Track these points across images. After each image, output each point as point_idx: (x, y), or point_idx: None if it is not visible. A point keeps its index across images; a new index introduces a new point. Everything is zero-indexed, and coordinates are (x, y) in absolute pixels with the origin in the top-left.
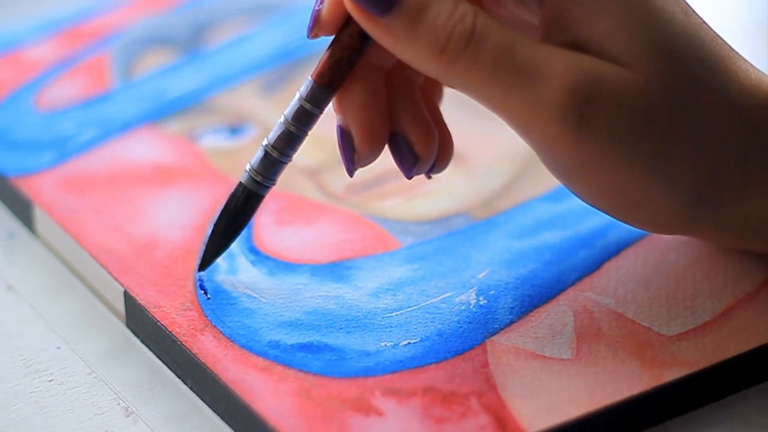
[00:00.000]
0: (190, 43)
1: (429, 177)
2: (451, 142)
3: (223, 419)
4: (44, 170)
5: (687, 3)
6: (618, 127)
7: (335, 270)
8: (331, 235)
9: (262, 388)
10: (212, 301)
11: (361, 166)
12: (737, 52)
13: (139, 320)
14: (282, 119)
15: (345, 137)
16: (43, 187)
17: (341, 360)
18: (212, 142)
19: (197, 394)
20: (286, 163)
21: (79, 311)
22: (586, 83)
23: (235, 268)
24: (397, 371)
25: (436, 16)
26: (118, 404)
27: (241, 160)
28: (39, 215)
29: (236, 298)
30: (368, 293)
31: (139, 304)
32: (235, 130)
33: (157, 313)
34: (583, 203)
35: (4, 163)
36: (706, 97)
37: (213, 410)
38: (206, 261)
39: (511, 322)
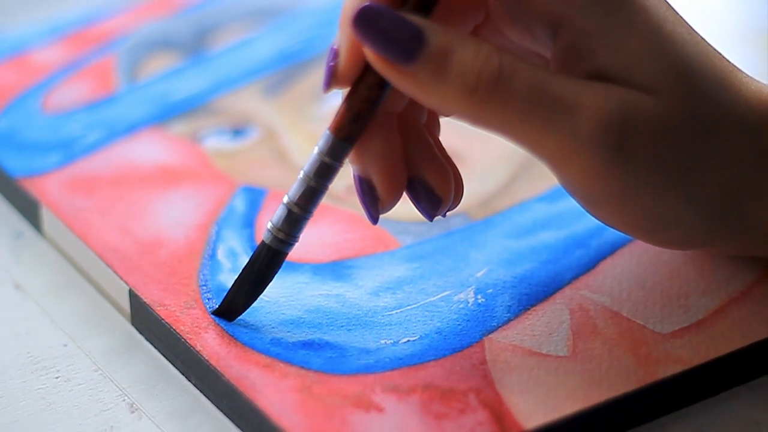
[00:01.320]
0: (193, 46)
1: (444, 216)
2: (460, 176)
3: (226, 415)
4: (51, 171)
5: (687, 22)
6: (652, 154)
7: (336, 269)
8: (332, 235)
9: (264, 385)
10: (215, 299)
11: (384, 213)
12: (734, 65)
13: (143, 318)
14: (302, 176)
15: (365, 187)
16: (49, 188)
17: (342, 357)
18: (216, 143)
19: (201, 391)
20: (308, 219)
21: (85, 309)
22: (619, 114)
23: (239, 267)
24: (396, 368)
25: (461, 59)
26: (124, 400)
27: (244, 161)
28: (46, 215)
29: None
30: (368, 292)
31: (144, 302)
32: (238, 131)
33: (161, 311)
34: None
35: (11, 164)
36: (719, 113)
37: (216, 406)
38: (227, 316)
39: (509, 320)
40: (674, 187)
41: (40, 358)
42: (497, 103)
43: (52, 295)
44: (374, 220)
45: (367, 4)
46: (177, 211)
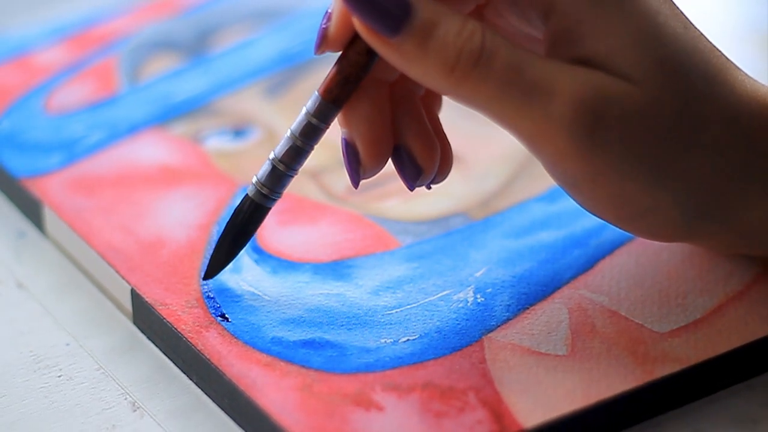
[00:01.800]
0: (195, 47)
1: (429, 188)
2: (451, 152)
3: (227, 414)
4: (53, 171)
5: (686, 16)
6: (626, 142)
7: (336, 268)
8: (333, 235)
9: (265, 384)
10: (217, 298)
11: (366, 178)
12: (733, 62)
13: (145, 317)
14: (288, 134)
15: (350, 150)
16: (52, 188)
17: (342, 356)
18: (217, 144)
19: (202, 390)
20: (292, 177)
21: (87, 309)
22: (595, 99)
23: (239, 266)
24: (396, 367)
25: (445, 35)
26: (125, 399)
27: (245, 161)
28: (48, 215)
29: (240, 296)
30: (369, 291)
31: (146, 301)
32: (239, 132)
33: (163, 311)
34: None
35: (14, 164)
36: (708, 109)
37: (217, 405)
38: (211, 272)
39: (508, 320)
40: (650, 177)
41: (42, 357)
42: (475, 81)
43: (54, 294)
44: (356, 183)
45: None
46: (178, 211)
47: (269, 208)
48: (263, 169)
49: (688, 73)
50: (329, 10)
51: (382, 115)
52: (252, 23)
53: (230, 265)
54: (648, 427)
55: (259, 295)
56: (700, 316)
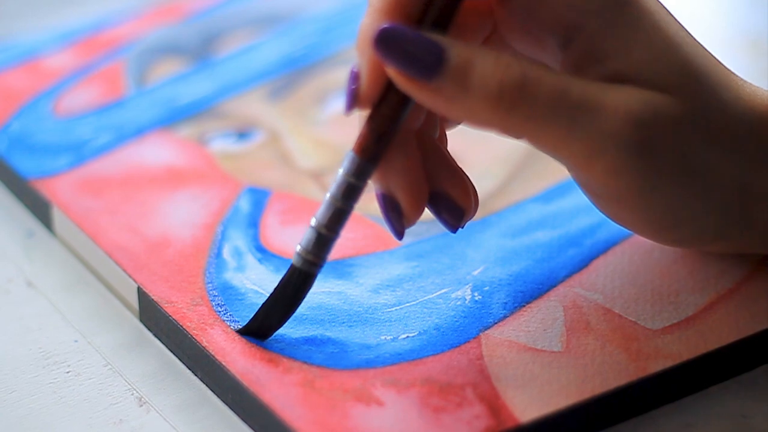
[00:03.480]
0: (200, 52)
1: (462, 228)
2: (473, 185)
3: (231, 408)
4: (62, 172)
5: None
6: (673, 152)
7: (338, 267)
8: None
9: (268, 379)
10: (221, 296)
11: (408, 228)
12: (728, 68)
13: (151, 315)
14: (329, 198)
15: (390, 204)
16: (60, 189)
17: (343, 353)
18: (221, 146)
19: (207, 385)
20: (336, 240)
21: (95, 306)
22: (644, 112)
23: (243, 265)
24: (396, 363)
25: (482, 69)
26: (132, 394)
27: (249, 163)
28: (57, 215)
29: (244, 294)
30: (369, 289)
31: (152, 299)
32: (243, 134)
33: (168, 308)
34: (573, 203)
35: (24, 165)
36: (727, 113)
37: (222, 400)
38: (258, 335)
39: (505, 317)
40: (692, 185)
41: (51, 353)
42: (523, 109)
43: (63, 292)
44: (400, 235)
45: (386, 25)
46: (184, 211)
47: (316, 275)
48: (307, 237)
49: (707, 81)
50: (355, 70)
51: (416, 165)
52: (255, 28)
53: (235, 264)
54: (641, 422)
55: (262, 293)
56: (691, 313)
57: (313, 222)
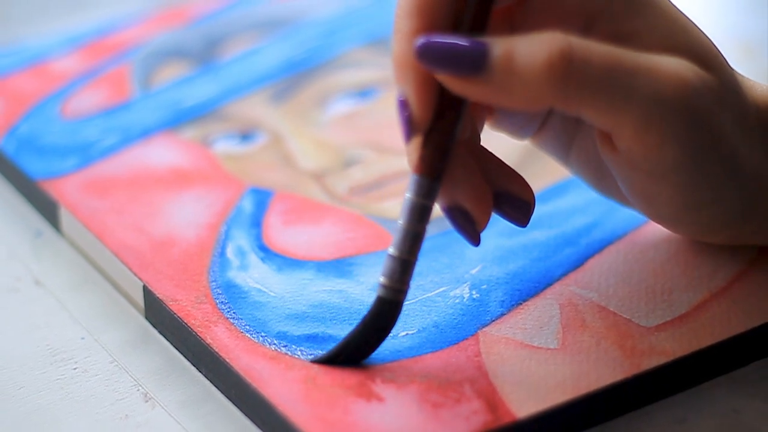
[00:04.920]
0: (204, 55)
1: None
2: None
3: (235, 404)
4: (69, 173)
5: None
6: (713, 128)
7: (339, 266)
8: (335, 234)
9: (271, 376)
10: (225, 294)
11: (480, 233)
12: None
13: (157, 313)
14: (404, 226)
15: (461, 215)
16: (68, 189)
17: None
18: (225, 147)
19: (211, 381)
20: (416, 263)
21: (101, 304)
22: (696, 80)
23: (246, 264)
24: (396, 360)
25: (528, 47)
26: (138, 390)
27: (252, 164)
28: (64, 215)
29: (247, 293)
30: (369, 288)
31: (157, 297)
32: (246, 136)
33: (173, 306)
34: (569, 204)
35: (32, 167)
36: (742, 95)
37: (226, 396)
38: (339, 363)
39: (502, 315)
40: (722, 165)
41: (58, 350)
42: (577, 76)
43: (70, 290)
44: (476, 242)
45: (423, 39)
46: (188, 211)
47: (404, 302)
48: (390, 268)
49: (725, 62)
50: (402, 99)
51: (476, 171)
52: (258, 32)
53: (238, 263)
54: (635, 417)
55: (265, 291)
56: (685, 311)
57: (392, 252)
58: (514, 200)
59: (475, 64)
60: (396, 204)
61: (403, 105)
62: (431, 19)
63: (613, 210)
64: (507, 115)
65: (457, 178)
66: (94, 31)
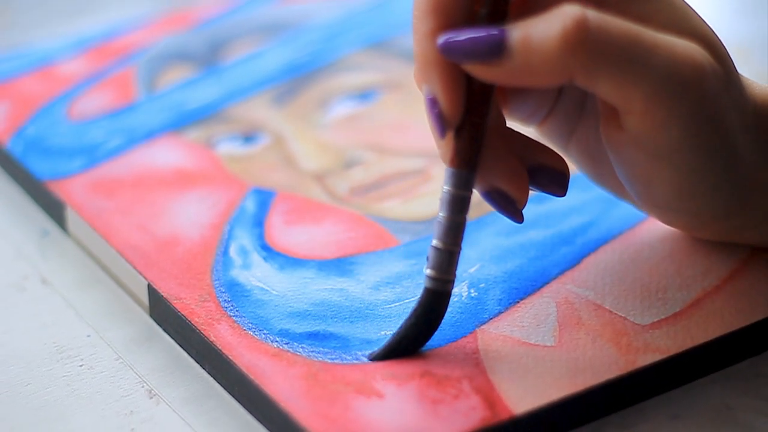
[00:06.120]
0: (208, 58)
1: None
2: None
3: (237, 400)
4: (75, 174)
5: None
6: (717, 113)
7: (340, 265)
8: (336, 234)
9: (273, 373)
10: (228, 293)
11: (522, 210)
12: None
13: (161, 311)
14: (445, 217)
15: (500, 198)
16: (74, 190)
17: (345, 347)
18: (228, 148)
19: (214, 378)
20: (460, 252)
21: (107, 302)
22: (708, 65)
23: (249, 263)
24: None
25: (544, 23)
26: (143, 387)
27: (255, 165)
28: (70, 215)
29: (250, 291)
30: (369, 286)
31: (162, 296)
32: (248, 138)
33: (178, 304)
34: (565, 204)
35: (38, 168)
36: (743, 90)
37: (229, 392)
38: (396, 357)
39: (500, 313)
40: (722, 153)
41: (65, 348)
42: (593, 49)
43: (76, 289)
44: (520, 220)
45: (443, 38)
46: (192, 212)
47: (451, 291)
48: (436, 260)
49: (730, 57)
50: (430, 97)
51: (508, 153)
52: (261, 36)
53: (241, 262)
54: (631, 414)
55: (267, 290)
56: (679, 309)
57: (437, 244)
58: (549, 172)
59: (495, 50)
60: (396, 204)
61: (432, 102)
62: (447, 17)
63: (609, 210)
64: (519, 103)
65: (491, 162)
66: (100, 35)
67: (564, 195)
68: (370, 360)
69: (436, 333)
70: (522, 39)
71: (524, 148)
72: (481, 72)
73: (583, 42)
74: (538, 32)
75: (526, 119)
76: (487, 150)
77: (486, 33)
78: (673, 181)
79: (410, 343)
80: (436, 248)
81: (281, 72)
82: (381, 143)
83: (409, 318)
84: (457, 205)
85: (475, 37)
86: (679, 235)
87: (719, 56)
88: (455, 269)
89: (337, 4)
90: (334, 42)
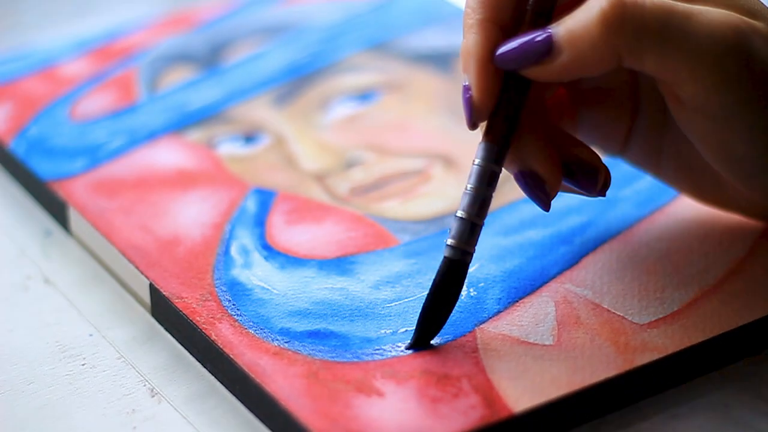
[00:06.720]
0: (209, 59)
1: (605, 189)
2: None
3: (239, 399)
4: (78, 175)
5: None
6: (763, 70)
7: (340, 264)
8: (337, 233)
9: (274, 371)
10: (229, 292)
11: (552, 197)
12: None
13: (163, 310)
14: (473, 189)
15: (532, 179)
16: (76, 190)
17: (345, 345)
18: (229, 149)
19: (216, 377)
20: (482, 228)
21: (109, 302)
22: (745, 25)
23: (250, 262)
24: (396, 356)
25: (583, 14)
26: (144, 386)
27: (255, 165)
28: (73, 215)
29: (251, 290)
30: (370, 285)
31: (164, 295)
32: (249, 138)
33: (179, 304)
34: (564, 203)
35: (41, 168)
36: None
37: (230, 391)
38: (428, 337)
39: (499, 312)
40: (765, 113)
41: (67, 347)
42: (634, 27)
43: (78, 288)
44: (547, 206)
45: (499, 51)
46: (194, 211)
47: (469, 263)
48: (459, 230)
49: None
50: (465, 84)
51: (545, 137)
52: (262, 37)
53: (242, 261)
54: (629, 412)
55: (268, 289)
56: (677, 308)
57: (461, 214)
58: (584, 165)
59: (545, 51)
60: (396, 204)
61: (466, 90)
62: (497, 10)
63: (607, 210)
64: (591, 128)
65: (527, 145)
66: (102, 36)
67: (596, 193)
68: (408, 349)
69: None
70: (566, 33)
71: (563, 141)
72: (538, 73)
73: (622, 21)
74: (580, 23)
75: (605, 142)
76: (524, 134)
77: (533, 37)
78: (720, 143)
79: (432, 315)
80: (460, 218)
81: (282, 73)
82: (381, 144)
83: (429, 291)
84: (486, 178)
85: (524, 43)
86: (677, 234)
87: (762, 16)
88: (476, 242)
89: (337, 5)
90: (334, 43)
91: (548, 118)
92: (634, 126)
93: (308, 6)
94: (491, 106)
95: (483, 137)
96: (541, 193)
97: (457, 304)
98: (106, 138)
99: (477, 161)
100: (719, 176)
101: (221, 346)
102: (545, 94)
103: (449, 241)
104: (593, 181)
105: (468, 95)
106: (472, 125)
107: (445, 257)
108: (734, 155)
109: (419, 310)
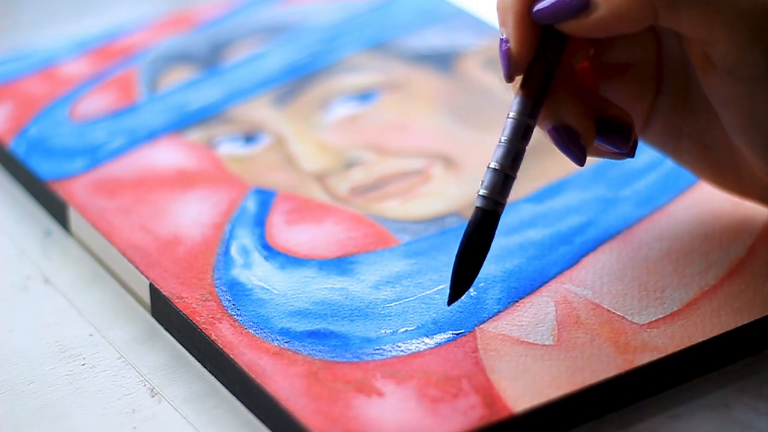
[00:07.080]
0: (209, 59)
1: (633, 149)
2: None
3: (239, 399)
4: (78, 175)
5: None
6: None
7: (340, 264)
8: (337, 233)
9: (274, 371)
10: (229, 292)
11: (587, 152)
12: None
13: (163, 310)
14: (507, 142)
15: (567, 132)
16: (76, 190)
17: (345, 345)
18: (229, 149)
19: (216, 377)
20: (514, 181)
21: (109, 302)
22: None
23: (250, 262)
24: (395, 356)
25: None
26: (144, 386)
27: (255, 165)
28: (73, 215)
29: (251, 290)
30: (370, 285)
31: (164, 295)
32: (249, 138)
33: (179, 304)
34: (564, 204)
35: (41, 168)
36: None
37: (230, 391)
38: (462, 289)
39: (499, 312)
40: None
41: (67, 347)
42: None
43: (78, 288)
44: (582, 160)
45: (537, 5)
46: (194, 211)
47: (500, 215)
48: (492, 180)
49: None
50: (503, 37)
51: (579, 92)
52: (262, 37)
53: (242, 261)
54: (629, 412)
55: (268, 289)
56: (676, 308)
57: (495, 166)
58: (617, 122)
59: (582, 5)
60: (396, 204)
61: (504, 42)
62: None
63: (607, 209)
64: (614, 92)
65: (562, 101)
66: (102, 36)
67: (627, 152)
68: (449, 305)
69: (435, 332)
70: None
71: (596, 101)
72: (574, 28)
73: None
74: None
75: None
76: (559, 91)
77: None
78: (754, 105)
79: (465, 267)
80: (493, 169)
81: (282, 73)
82: (381, 144)
83: (461, 242)
84: (521, 132)
85: (560, 1)
86: (677, 234)
87: None
88: (507, 195)
89: (337, 5)
90: (334, 43)
91: (580, 83)
92: (656, 105)
93: (308, 6)
94: (528, 58)
95: (519, 91)
96: (575, 147)
97: (457, 304)
98: (106, 138)
99: (512, 114)
100: (739, 159)
101: (221, 346)
102: (572, 62)
103: (482, 192)
104: (626, 138)
105: (506, 47)
106: (509, 77)
107: (477, 207)
108: (761, 122)
109: (450, 275)
